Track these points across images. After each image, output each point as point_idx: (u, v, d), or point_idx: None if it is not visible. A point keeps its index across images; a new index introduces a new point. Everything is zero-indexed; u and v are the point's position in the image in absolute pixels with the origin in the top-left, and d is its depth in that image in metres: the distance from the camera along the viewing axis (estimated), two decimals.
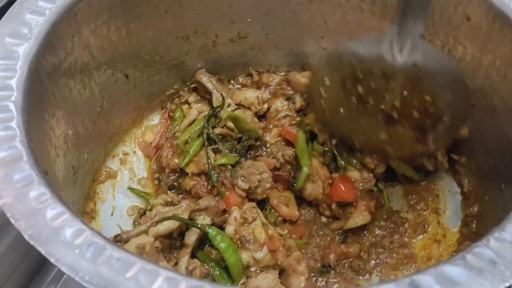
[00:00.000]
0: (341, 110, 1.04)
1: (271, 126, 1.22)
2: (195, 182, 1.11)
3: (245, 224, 0.99)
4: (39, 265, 1.10)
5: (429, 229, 1.14)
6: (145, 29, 1.13)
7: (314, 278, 1.06)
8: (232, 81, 1.32)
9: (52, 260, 0.63)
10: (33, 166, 0.73)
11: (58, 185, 0.89)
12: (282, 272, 0.99)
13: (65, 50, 0.96)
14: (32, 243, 0.65)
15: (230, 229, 0.99)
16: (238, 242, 0.98)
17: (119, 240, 0.94)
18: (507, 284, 0.61)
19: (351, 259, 1.10)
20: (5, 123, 0.77)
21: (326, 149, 1.13)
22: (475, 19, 0.97)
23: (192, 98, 1.28)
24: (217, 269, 0.98)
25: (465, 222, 1.06)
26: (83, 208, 1.08)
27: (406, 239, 1.13)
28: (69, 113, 0.99)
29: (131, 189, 1.18)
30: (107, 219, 1.10)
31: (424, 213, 1.16)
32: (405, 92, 0.97)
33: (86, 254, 0.64)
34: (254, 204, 1.05)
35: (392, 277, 1.04)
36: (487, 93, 0.99)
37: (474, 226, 1.03)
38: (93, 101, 1.09)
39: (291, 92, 1.27)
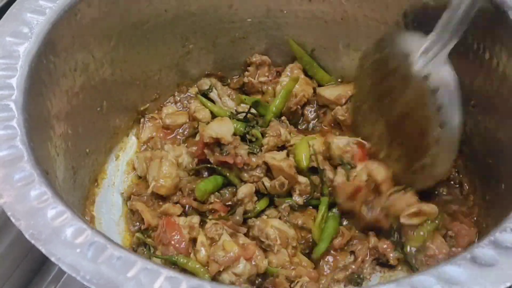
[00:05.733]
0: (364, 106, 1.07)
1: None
2: None
3: (213, 244, 0.94)
4: (39, 264, 1.10)
5: None
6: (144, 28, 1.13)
7: None
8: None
9: (53, 259, 0.63)
10: (34, 166, 0.73)
11: (58, 185, 0.89)
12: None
13: (65, 50, 0.96)
14: (33, 242, 0.65)
15: (201, 254, 0.93)
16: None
17: None
18: (508, 284, 0.61)
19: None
20: (6, 122, 0.77)
21: None
22: None
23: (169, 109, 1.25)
24: None
25: None
26: (84, 208, 1.07)
27: None
28: (69, 113, 0.99)
29: None
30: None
31: None
32: (411, 103, 0.94)
33: (87, 253, 0.64)
34: (214, 220, 1.00)
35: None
36: (488, 93, 0.99)
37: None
38: (93, 101, 1.09)
39: None
